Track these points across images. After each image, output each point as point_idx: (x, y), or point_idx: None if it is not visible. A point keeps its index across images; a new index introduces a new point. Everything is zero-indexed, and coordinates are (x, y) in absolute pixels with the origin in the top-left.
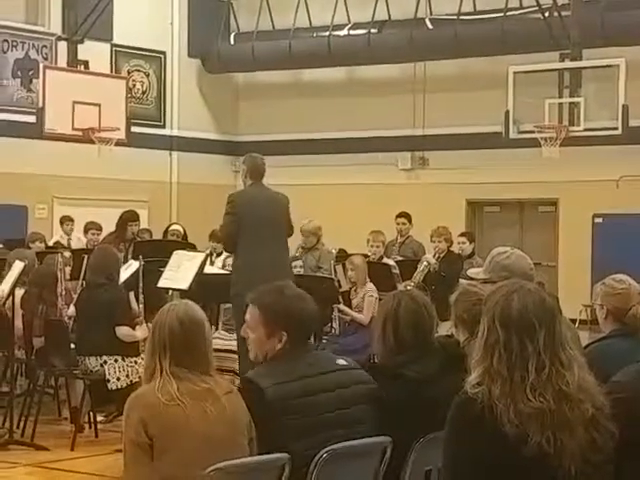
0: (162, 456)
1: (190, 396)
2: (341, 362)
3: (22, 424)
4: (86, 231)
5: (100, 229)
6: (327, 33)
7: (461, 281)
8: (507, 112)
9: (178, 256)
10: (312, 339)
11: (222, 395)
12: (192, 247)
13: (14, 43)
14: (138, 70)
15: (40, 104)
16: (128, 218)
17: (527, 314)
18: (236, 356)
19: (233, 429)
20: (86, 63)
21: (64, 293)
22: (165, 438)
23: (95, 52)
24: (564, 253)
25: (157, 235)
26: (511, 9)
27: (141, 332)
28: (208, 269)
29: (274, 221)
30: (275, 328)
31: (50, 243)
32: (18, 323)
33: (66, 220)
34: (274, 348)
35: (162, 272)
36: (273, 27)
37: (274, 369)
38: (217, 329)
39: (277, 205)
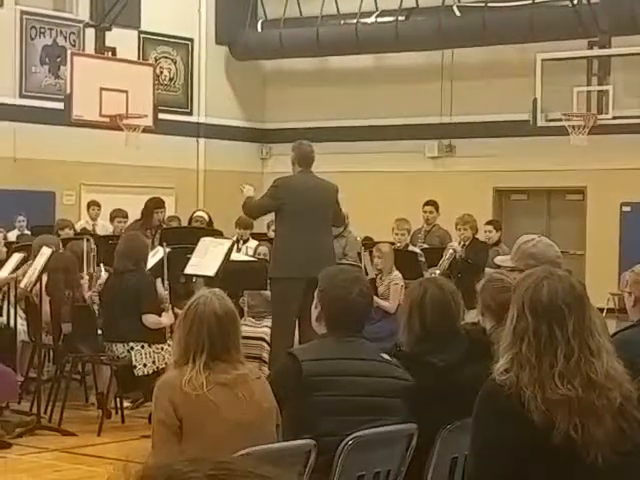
0: (191, 439)
1: (221, 384)
2: (385, 357)
3: (49, 409)
4: (112, 219)
5: (126, 216)
6: (355, 20)
7: (487, 269)
8: (535, 100)
9: (205, 243)
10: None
11: (251, 380)
12: (219, 234)
13: (42, 30)
14: (165, 57)
15: (68, 91)
16: (154, 205)
17: (557, 300)
18: (263, 343)
19: (261, 414)
20: (114, 50)
21: (88, 278)
22: (195, 420)
23: (123, 39)
24: (592, 241)
25: (184, 222)
26: None
27: (167, 318)
28: (234, 256)
29: (318, 208)
30: (320, 310)
31: (77, 229)
32: (46, 308)
33: (92, 205)
34: (321, 330)
35: (189, 259)
36: (301, 14)
37: (315, 347)
38: (242, 316)
39: (324, 192)
